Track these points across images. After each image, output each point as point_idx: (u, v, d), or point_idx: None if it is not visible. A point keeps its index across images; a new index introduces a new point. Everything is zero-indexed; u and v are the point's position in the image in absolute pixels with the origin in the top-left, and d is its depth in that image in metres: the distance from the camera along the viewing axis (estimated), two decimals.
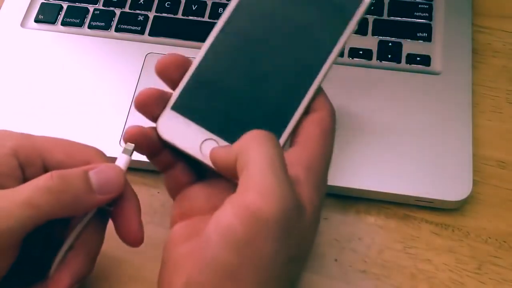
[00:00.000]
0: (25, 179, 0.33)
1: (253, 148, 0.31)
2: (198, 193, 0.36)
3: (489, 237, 0.42)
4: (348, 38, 0.36)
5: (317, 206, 0.33)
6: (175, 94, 0.36)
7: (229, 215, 0.29)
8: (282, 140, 0.35)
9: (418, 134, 0.44)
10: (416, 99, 0.46)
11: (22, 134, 0.35)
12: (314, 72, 0.36)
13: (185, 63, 0.36)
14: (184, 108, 0.36)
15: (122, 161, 0.34)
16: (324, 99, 0.36)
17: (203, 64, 0.37)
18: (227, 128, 0.36)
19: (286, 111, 0.36)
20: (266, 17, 0.37)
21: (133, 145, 0.35)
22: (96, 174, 0.33)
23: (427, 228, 0.42)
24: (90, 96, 0.47)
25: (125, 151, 0.34)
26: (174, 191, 0.37)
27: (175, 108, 0.36)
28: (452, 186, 0.42)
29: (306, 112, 0.36)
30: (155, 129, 0.36)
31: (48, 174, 0.31)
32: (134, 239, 0.34)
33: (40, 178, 0.31)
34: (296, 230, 0.30)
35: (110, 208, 0.34)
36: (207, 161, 0.35)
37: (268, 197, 0.29)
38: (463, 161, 0.43)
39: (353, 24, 0.36)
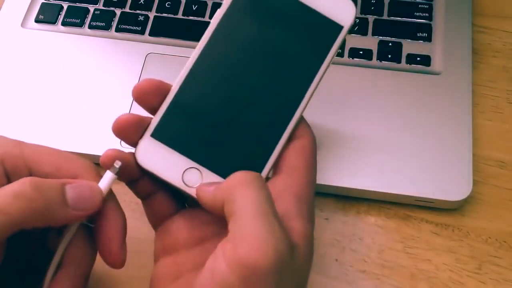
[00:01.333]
0: None
1: (240, 194, 0.30)
2: (180, 226, 0.35)
3: (489, 237, 0.42)
4: (329, 64, 0.36)
5: (310, 237, 0.33)
6: (154, 120, 0.35)
7: (225, 269, 0.29)
8: (266, 169, 0.35)
9: (418, 134, 0.44)
10: (416, 99, 0.46)
11: (12, 141, 0.34)
12: (296, 100, 0.35)
13: (162, 87, 0.35)
14: (164, 135, 0.35)
15: (106, 179, 0.33)
16: (305, 126, 0.36)
17: (183, 89, 0.35)
18: (210, 156, 0.35)
19: (270, 140, 0.35)
20: (247, 43, 0.36)
21: (120, 163, 0.33)
22: (73, 188, 0.32)
23: (427, 228, 0.42)
24: (90, 96, 0.47)
25: (112, 169, 0.33)
26: (155, 221, 0.36)
27: (155, 135, 0.34)
28: (452, 186, 0.42)
29: (288, 139, 0.35)
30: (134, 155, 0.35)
31: (22, 180, 0.31)
32: (112, 261, 0.33)
33: (15, 183, 0.31)
34: (291, 272, 0.30)
35: (91, 225, 0.34)
36: (190, 191, 0.34)
37: (261, 248, 0.28)
38: (463, 161, 0.43)
39: (333, 51, 0.36)
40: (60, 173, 0.33)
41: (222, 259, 0.29)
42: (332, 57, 0.36)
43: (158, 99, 0.35)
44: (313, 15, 0.36)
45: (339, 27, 0.36)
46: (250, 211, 0.30)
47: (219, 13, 0.36)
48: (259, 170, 0.35)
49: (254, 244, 0.29)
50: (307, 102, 0.36)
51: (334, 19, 0.36)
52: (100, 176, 0.34)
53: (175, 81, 0.35)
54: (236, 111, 0.35)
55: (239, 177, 0.31)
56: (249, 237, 0.29)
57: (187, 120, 0.35)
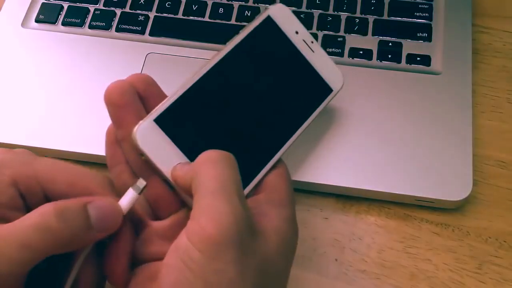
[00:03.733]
0: (27, 207, 0.32)
1: (204, 171, 0.31)
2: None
3: (489, 237, 0.42)
4: (315, 117, 0.40)
5: (284, 235, 0.33)
6: (161, 106, 0.35)
7: (186, 243, 0.29)
8: (250, 186, 0.37)
9: (418, 134, 0.44)
10: (416, 99, 0.46)
11: (23, 158, 0.33)
12: (289, 135, 0.39)
13: (130, 87, 0.35)
14: (166, 124, 0.35)
15: (128, 197, 0.33)
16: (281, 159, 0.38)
17: (196, 87, 0.36)
18: None
19: (258, 161, 0.37)
20: (253, 70, 0.39)
21: (145, 183, 0.33)
22: (96, 209, 0.31)
23: (427, 228, 0.42)
24: (91, 96, 0.47)
25: (134, 187, 0.33)
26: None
27: (158, 121, 0.35)
28: (452, 186, 0.42)
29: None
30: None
31: (45, 209, 0.30)
32: (115, 281, 0.33)
33: (37, 214, 0.29)
34: (253, 254, 0.30)
35: (106, 240, 0.33)
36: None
37: (219, 220, 0.29)
38: (464, 161, 0.43)
39: (321, 107, 0.41)
40: (74, 190, 0.32)
41: (184, 234, 0.30)
42: (319, 112, 0.41)
43: (126, 98, 0.35)
44: (312, 72, 0.41)
45: (330, 89, 0.42)
46: (211, 188, 0.30)
47: (239, 37, 0.39)
48: (245, 185, 0.36)
49: (212, 217, 0.29)
50: (293, 141, 0.39)
51: (328, 81, 0.42)
52: (113, 191, 0.33)
53: (193, 74, 0.37)
54: (236, 126, 0.37)
55: (206, 155, 0.32)
56: (207, 210, 0.29)
57: (192, 118, 0.36)
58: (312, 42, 0.41)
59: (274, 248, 0.32)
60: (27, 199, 0.32)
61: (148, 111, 0.35)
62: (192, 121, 0.36)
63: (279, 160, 0.38)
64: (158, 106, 0.35)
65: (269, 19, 0.40)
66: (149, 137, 0.35)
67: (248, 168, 0.36)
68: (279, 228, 0.33)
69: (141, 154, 0.35)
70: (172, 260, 0.30)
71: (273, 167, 0.37)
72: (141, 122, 0.34)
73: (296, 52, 0.41)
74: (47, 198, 0.32)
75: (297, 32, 0.41)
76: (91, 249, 0.33)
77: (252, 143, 0.38)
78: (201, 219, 0.29)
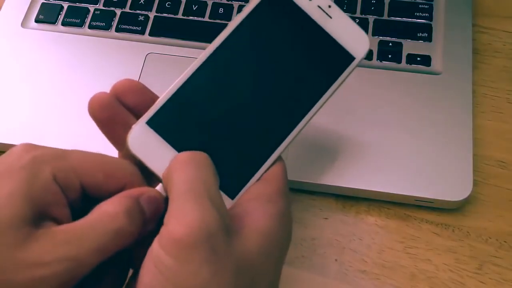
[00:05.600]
0: (68, 203, 0.31)
1: (174, 175, 0.31)
2: None
3: (490, 237, 0.42)
4: (335, 91, 0.36)
5: (271, 237, 0.32)
6: (152, 109, 0.34)
7: (157, 249, 0.29)
8: (251, 182, 0.35)
9: (418, 134, 0.44)
10: (416, 99, 0.46)
11: (56, 153, 0.32)
12: (292, 124, 0.36)
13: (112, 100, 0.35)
14: (159, 125, 0.34)
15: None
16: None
17: (187, 85, 0.35)
18: None
19: (259, 157, 0.35)
20: (258, 55, 0.36)
21: None
22: (147, 204, 0.32)
23: (427, 228, 0.42)
24: (91, 96, 0.47)
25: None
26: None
27: (151, 123, 0.34)
28: (452, 186, 0.42)
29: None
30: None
31: (116, 211, 0.30)
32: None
33: (108, 217, 0.30)
34: (228, 252, 0.30)
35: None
36: None
37: (187, 222, 0.29)
38: (464, 161, 0.43)
39: (340, 80, 0.36)
40: (111, 180, 0.32)
41: (156, 240, 0.30)
42: (338, 87, 0.36)
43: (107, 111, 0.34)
44: (330, 42, 0.36)
45: (352, 58, 0.36)
46: (180, 191, 0.30)
47: (240, 17, 0.36)
48: (245, 182, 0.35)
49: (179, 220, 0.29)
50: (303, 127, 0.36)
51: (349, 49, 0.36)
52: (143, 177, 0.34)
53: (181, 75, 0.35)
54: (232, 121, 0.35)
55: (177, 158, 0.32)
56: (176, 214, 0.29)
57: (185, 117, 0.35)
58: (329, 6, 0.37)
59: (255, 247, 0.31)
60: (68, 194, 0.31)
61: (139, 117, 0.35)
62: (188, 119, 0.35)
63: (279, 157, 0.36)
64: (150, 108, 0.34)
65: None
66: (143, 141, 0.34)
67: (251, 160, 0.35)
68: (263, 226, 0.32)
69: (136, 160, 0.34)
70: (146, 264, 0.30)
71: (274, 161, 0.36)
72: (133, 126, 0.34)
73: (309, 23, 0.36)
74: (84, 191, 0.32)
75: None
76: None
77: (255, 136, 0.36)
78: (169, 223, 0.29)
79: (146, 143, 0.34)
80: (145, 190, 0.32)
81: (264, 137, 0.36)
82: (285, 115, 0.36)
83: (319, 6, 0.36)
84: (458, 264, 0.41)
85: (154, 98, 0.35)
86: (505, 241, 0.42)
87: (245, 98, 0.36)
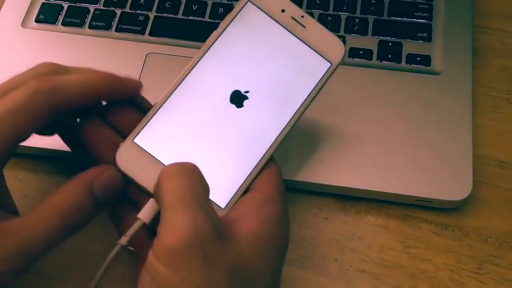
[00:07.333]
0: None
1: (163, 187, 0.32)
2: None
3: (489, 237, 0.42)
4: (314, 97, 0.38)
5: (266, 240, 0.33)
6: (139, 126, 0.36)
7: (151, 259, 0.30)
8: (240, 191, 0.36)
9: (418, 134, 0.44)
10: (416, 99, 0.46)
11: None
12: (276, 130, 0.37)
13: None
14: (146, 141, 0.35)
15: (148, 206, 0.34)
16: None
17: (172, 101, 0.36)
18: None
19: (246, 163, 0.36)
20: (239, 67, 0.38)
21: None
22: (102, 190, 0.33)
23: (427, 228, 0.42)
24: None
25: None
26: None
27: (138, 140, 0.35)
28: (452, 186, 0.42)
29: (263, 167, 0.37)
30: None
31: (64, 207, 0.32)
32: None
33: (56, 213, 0.32)
34: (220, 257, 0.30)
35: (132, 249, 0.34)
36: None
37: (178, 230, 0.29)
38: (463, 161, 0.43)
39: (319, 86, 0.38)
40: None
41: (151, 252, 0.30)
42: (317, 92, 0.38)
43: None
44: (304, 49, 0.38)
45: (327, 64, 0.38)
46: (170, 202, 0.31)
47: (217, 32, 0.38)
48: (234, 190, 0.36)
49: (170, 229, 0.30)
50: (287, 133, 0.37)
51: (325, 56, 0.38)
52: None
53: (166, 90, 0.36)
54: (217, 131, 0.37)
55: (164, 170, 0.32)
56: (167, 225, 0.30)
57: (172, 131, 0.36)
58: (302, 16, 0.38)
59: (248, 249, 0.32)
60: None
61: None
62: (173, 133, 0.36)
63: (271, 158, 0.37)
64: (137, 126, 0.35)
65: (249, 5, 0.38)
66: (131, 158, 0.35)
67: (240, 167, 0.36)
68: (255, 228, 0.33)
69: (127, 177, 0.35)
70: (143, 274, 0.31)
71: (265, 165, 0.37)
72: (121, 145, 0.35)
73: (283, 34, 0.38)
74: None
75: (283, 10, 0.38)
76: (118, 251, 0.33)
77: (240, 144, 0.37)
78: (161, 234, 0.30)
79: (134, 160, 0.35)
80: (100, 171, 0.34)
81: (250, 144, 0.37)
82: (268, 122, 0.37)
83: (292, 17, 0.38)
84: (458, 264, 0.41)
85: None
86: (505, 241, 0.42)
87: (228, 110, 0.37)
